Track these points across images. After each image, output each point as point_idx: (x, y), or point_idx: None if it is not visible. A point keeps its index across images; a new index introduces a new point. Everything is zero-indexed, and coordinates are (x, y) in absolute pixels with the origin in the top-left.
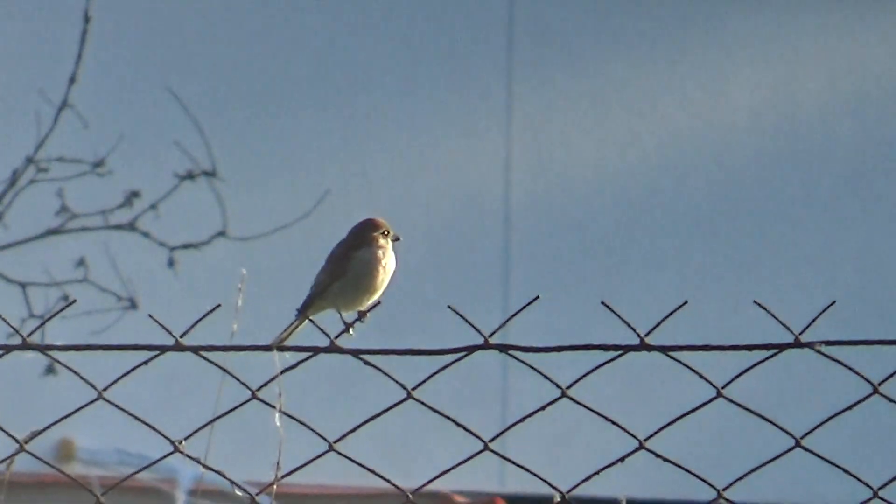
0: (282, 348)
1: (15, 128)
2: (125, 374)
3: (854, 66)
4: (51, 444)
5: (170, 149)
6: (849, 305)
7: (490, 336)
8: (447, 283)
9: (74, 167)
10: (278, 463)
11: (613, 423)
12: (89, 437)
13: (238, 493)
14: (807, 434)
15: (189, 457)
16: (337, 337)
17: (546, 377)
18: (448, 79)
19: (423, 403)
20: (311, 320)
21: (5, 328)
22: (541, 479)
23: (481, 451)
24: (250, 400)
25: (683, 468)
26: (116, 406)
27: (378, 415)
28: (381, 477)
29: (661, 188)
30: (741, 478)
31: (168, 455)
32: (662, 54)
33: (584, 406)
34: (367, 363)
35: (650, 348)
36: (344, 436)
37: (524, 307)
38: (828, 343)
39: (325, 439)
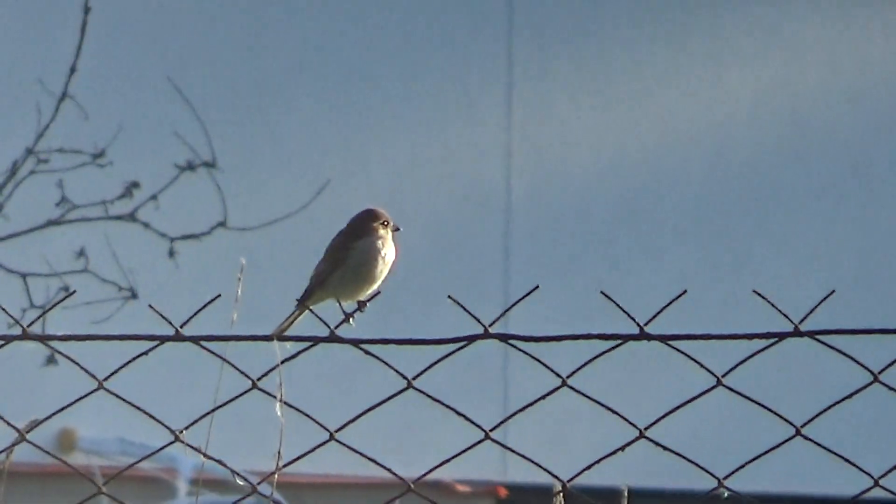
0: (282, 338)
1: (15, 118)
2: (125, 364)
3: (854, 57)
4: (52, 434)
5: (170, 139)
6: (848, 294)
7: (490, 325)
8: (447, 272)
9: (74, 158)
10: (279, 452)
11: (613, 412)
12: (90, 427)
13: (239, 482)
14: (807, 423)
15: (189, 446)
16: (337, 327)
17: (546, 366)
18: (448, 70)
19: (423, 393)
20: (310, 310)
21: (6, 318)
22: (541, 468)
23: (482, 441)
24: (251, 390)
25: (684, 457)
26: (117, 396)
27: (378, 404)
28: (382, 466)
29: (660, 178)
30: (741, 467)
31: (168, 445)
32: (663, 45)
33: (585, 395)
34: (367, 353)
35: (650, 337)
36: (345, 425)
37: (524, 297)
38: (827, 332)
39: (325, 429)
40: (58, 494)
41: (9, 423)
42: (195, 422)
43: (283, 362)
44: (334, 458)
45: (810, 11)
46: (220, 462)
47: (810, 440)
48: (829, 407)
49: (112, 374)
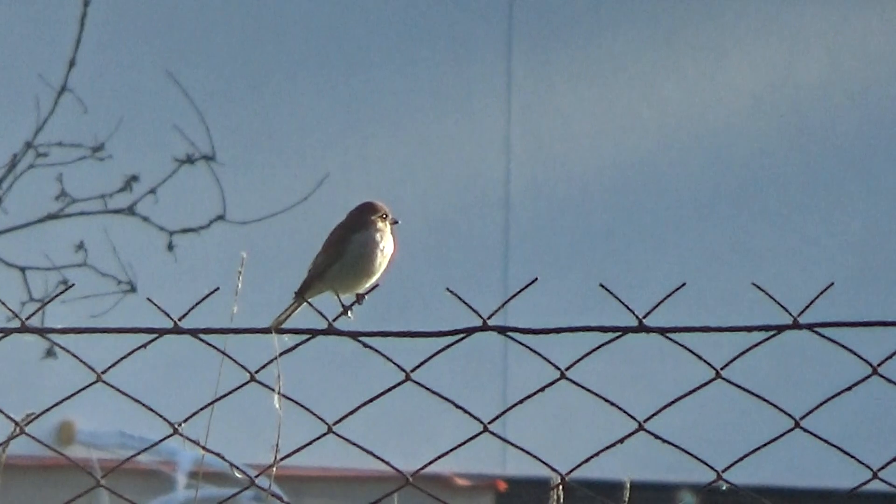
0: (280, 331)
1: (14, 112)
2: (124, 357)
3: (854, 49)
4: (51, 426)
5: (169, 133)
6: (847, 287)
7: (489, 318)
8: (446, 265)
9: (73, 152)
10: (277, 445)
11: (612, 404)
12: (89, 420)
13: (237, 475)
14: (806, 415)
15: (188, 439)
16: (335, 319)
17: (545, 359)
18: (447, 62)
19: (421, 386)
20: (308, 303)
21: (5, 312)
22: (540, 461)
23: (480, 433)
24: (249, 382)
25: (683, 450)
26: (116, 389)
27: (377, 397)
28: (380, 459)
29: (660, 171)
30: (740, 459)
31: (167, 437)
32: (662, 37)
33: (584, 388)
34: (365, 345)
35: (649, 330)
36: (343, 418)
37: (523, 289)
38: (826, 324)
39: (324, 421)
40: (56, 487)
41: (7, 416)
42: (193, 414)
43: (281, 355)
44: (333, 450)
45: (811, 4)
46: (218, 455)
47: (809, 433)
48: (828, 399)
49: (111, 366)
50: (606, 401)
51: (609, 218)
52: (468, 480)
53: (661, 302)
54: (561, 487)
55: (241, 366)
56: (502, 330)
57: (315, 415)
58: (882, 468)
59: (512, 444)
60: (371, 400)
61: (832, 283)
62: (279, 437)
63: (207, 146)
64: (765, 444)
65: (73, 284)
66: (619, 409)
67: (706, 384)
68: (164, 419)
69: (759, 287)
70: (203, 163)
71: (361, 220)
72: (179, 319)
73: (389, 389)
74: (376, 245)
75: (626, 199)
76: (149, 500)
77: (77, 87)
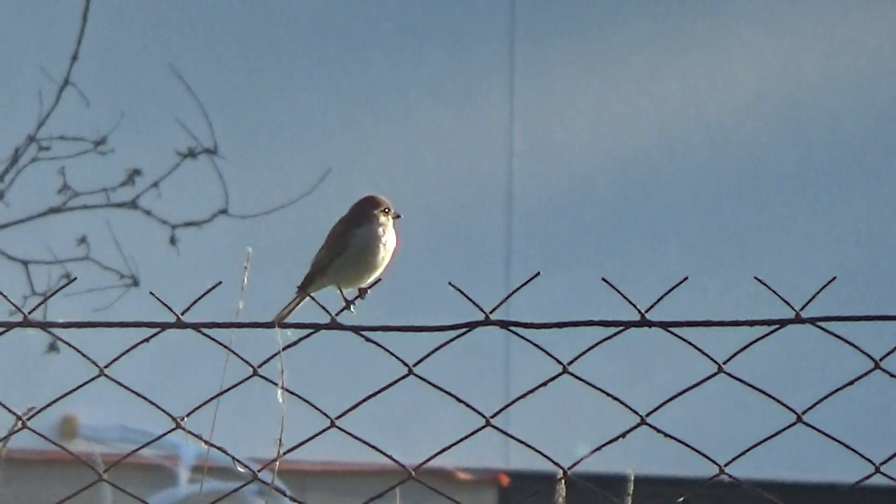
0: (283, 325)
1: (16, 106)
2: (126, 351)
3: (854, 44)
4: (53, 421)
5: (171, 126)
6: (849, 281)
7: (491, 312)
8: (449, 259)
9: (76, 145)
10: (280, 440)
11: (615, 398)
12: (92, 414)
13: (240, 469)
14: (808, 409)
15: (190, 433)
16: (338, 314)
17: (547, 353)
18: (450, 57)
19: (424, 380)
20: (311, 297)
21: (7, 306)
22: (543, 455)
23: (483, 427)
24: (252, 377)
25: (685, 444)
26: (118, 383)
27: (379, 391)
28: (383, 453)
29: (661, 165)
30: (743, 453)
31: (169, 432)
32: (664, 32)
33: (586, 382)
34: (368, 340)
35: (651, 324)
36: (345, 412)
37: (525, 283)
38: (828, 318)
39: (326, 416)
40: (59, 481)
41: (9, 410)
42: (196, 409)
43: (284, 349)
44: (335, 445)
45: None
46: (221, 449)
47: (811, 427)
48: (831, 394)
49: (113, 360)
50: (609, 395)
51: (611, 212)
52: (471, 474)
53: (664, 296)
54: (564, 481)
55: (243, 360)
56: (504, 324)
57: (318, 409)
58: (884, 462)
59: (514, 439)
60: (374, 394)
61: (834, 278)
62: (282, 431)
63: (210, 140)
64: (767, 438)
65: (76, 278)
66: (622, 403)
67: (708, 378)
68: (167, 413)
69: (761, 281)
70: (206, 156)
71: (363, 215)
72: (182, 313)
73: (392, 384)
74: (378, 239)
75: (627, 193)
76: (151, 494)
77: (79, 81)
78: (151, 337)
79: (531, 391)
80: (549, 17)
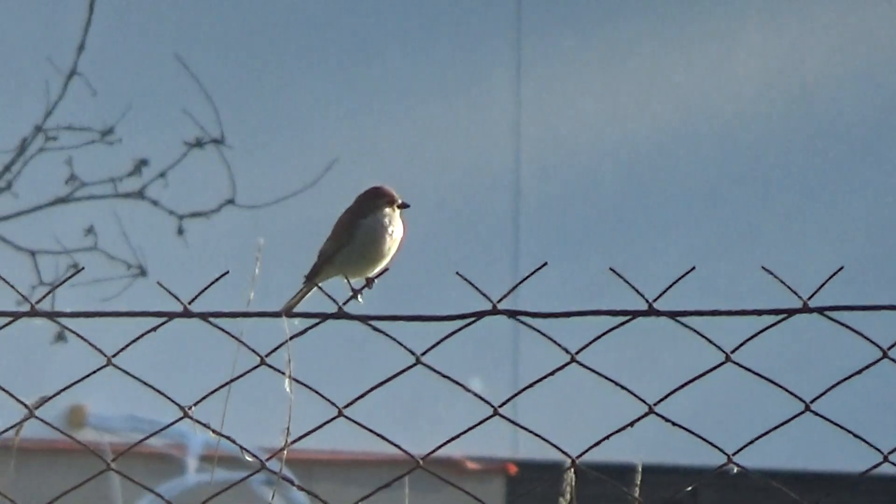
0: (291, 315)
1: (23, 96)
2: (134, 341)
3: (863, 32)
4: (62, 410)
5: (178, 117)
6: (857, 271)
7: (499, 301)
8: (457, 249)
9: (83, 135)
10: (288, 429)
11: (623, 388)
12: (100, 403)
13: (248, 458)
14: (816, 398)
15: (198, 422)
16: (345, 303)
17: (555, 343)
18: (457, 46)
19: (432, 369)
20: (319, 287)
21: (15, 295)
22: (551, 444)
23: (491, 417)
24: (259, 366)
25: (693, 433)
26: (125, 372)
27: (387, 380)
28: (390, 443)
29: (669, 155)
30: (751, 442)
31: (177, 421)
32: (672, 21)
33: (594, 371)
34: (375, 329)
35: (659, 314)
36: (353, 401)
37: (533, 273)
38: (836, 308)
39: (334, 405)
40: (67, 470)
41: (18, 400)
42: (204, 398)
43: (291, 339)
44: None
45: None
46: (228, 438)
47: (819, 416)
48: (839, 383)
49: (121, 350)
50: (617, 384)
51: (619, 202)
52: (479, 464)
53: (671, 286)
54: (572, 470)
55: (251, 349)
56: (512, 314)
57: (326, 398)
58: (892, 451)
59: (523, 428)
60: (381, 383)
61: (842, 267)
62: (290, 420)
63: (217, 130)
64: (775, 428)
65: (83, 268)
66: (630, 392)
67: (716, 368)
68: (175, 403)
69: (768, 271)
70: (213, 146)
71: (370, 205)
72: (189, 303)
73: (400, 373)
74: (385, 229)
75: (635, 183)
76: (159, 483)
77: (86, 71)
78: (159, 326)
79: (539, 380)
80: (555, 8)
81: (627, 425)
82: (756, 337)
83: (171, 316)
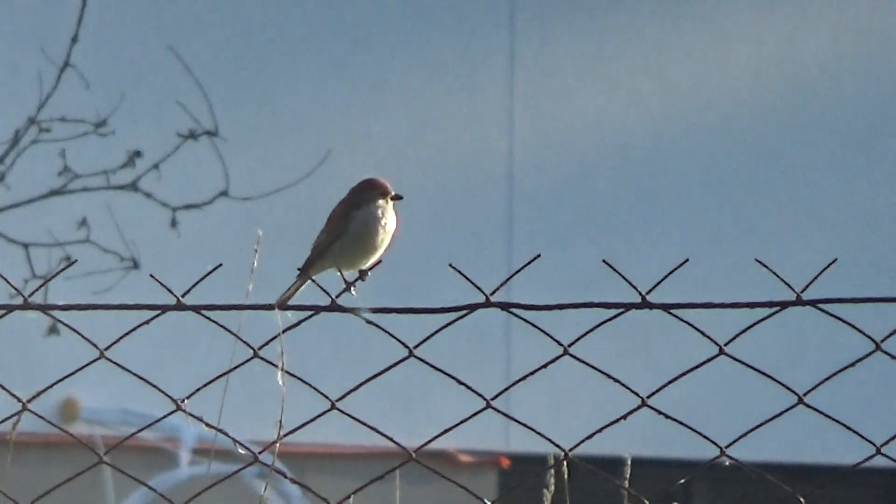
0: (284, 307)
1: (16, 88)
2: (127, 334)
3: (857, 24)
4: (55, 403)
5: (171, 108)
6: (850, 263)
7: (492, 294)
8: (450, 242)
9: (76, 127)
10: (280, 422)
11: (616, 380)
12: (93, 396)
13: (241, 451)
14: (809, 391)
15: (191, 415)
16: (338, 296)
17: (548, 335)
18: (451, 38)
19: (425, 362)
20: (312, 280)
21: (7, 288)
22: (544, 437)
23: (484, 409)
24: (252, 359)
25: (686, 425)
26: (118, 365)
27: (380, 373)
28: (383, 435)
29: (664, 146)
30: (744, 435)
31: (170, 414)
32: (666, 13)
33: (587, 364)
34: (368, 322)
35: (652, 306)
36: (346, 394)
37: (526, 265)
38: (829, 300)
39: (327, 398)
40: (60, 464)
41: (11, 393)
42: (197, 391)
43: (284, 331)
44: (336, 427)
45: None
46: (221, 431)
47: (813, 409)
48: (832, 375)
49: (114, 343)
50: (610, 377)
51: (612, 194)
52: (471, 457)
53: (665, 278)
54: (565, 463)
55: (244, 342)
56: (505, 306)
57: (318, 391)
58: (885, 444)
59: (515, 421)
60: (374, 376)
61: (835, 260)
62: (282, 413)
63: (210, 122)
64: (768, 420)
65: (76, 261)
66: (623, 385)
67: (709, 360)
68: (168, 396)
69: (762, 263)
70: (206, 138)
71: (363, 197)
72: (182, 296)
73: (393, 365)
74: (378, 221)
75: (629, 175)
76: (152, 476)
77: (80, 63)
78: (152, 319)
79: (532, 373)
80: (549, 0)
81: (620, 418)
82: (749, 329)
83: (164, 309)
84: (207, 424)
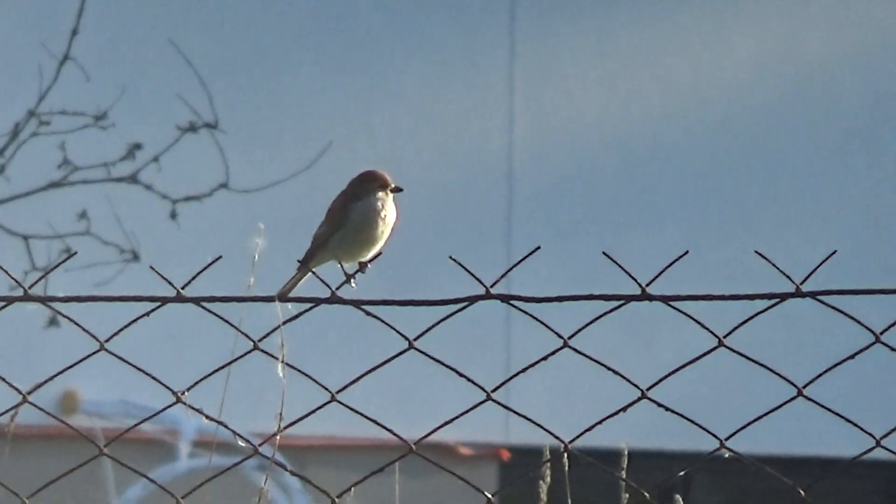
0: (284, 299)
1: (17, 80)
2: (127, 326)
3: (858, 18)
4: (55, 395)
5: (172, 101)
6: (850, 255)
7: (492, 286)
8: (450, 233)
9: (76, 120)
10: (281, 414)
11: (615, 372)
12: (93, 389)
13: (241, 444)
14: (809, 383)
15: (191, 407)
16: (338, 288)
17: (548, 327)
18: (451, 31)
19: (424, 354)
20: (312, 272)
21: (7, 280)
22: (544, 429)
23: (484, 402)
24: (252, 351)
25: (685, 418)
26: (118, 357)
27: (380, 365)
28: (383, 428)
29: (663, 140)
30: (743, 427)
31: (170, 406)
32: (666, 7)
33: (586, 356)
34: (368, 314)
35: (652, 298)
36: (346, 386)
37: (525, 257)
38: (829, 292)
39: (327, 390)
40: (60, 456)
41: (11, 385)
42: (197, 383)
43: (284, 323)
44: (336, 419)
45: None
46: (221, 423)
47: (812, 401)
48: (831, 367)
49: (114, 335)
50: (609, 369)
51: (612, 187)
52: (471, 449)
53: (664, 270)
54: (565, 455)
55: (244, 334)
56: (505, 298)
57: (318, 383)
58: (885, 436)
59: (515, 413)
60: (374, 368)
61: (835, 252)
62: (283, 405)
63: (210, 114)
64: (767, 413)
65: (76, 253)
66: (622, 377)
67: (709, 352)
68: (168, 388)
69: (761, 255)
70: (206, 131)
71: (363, 189)
72: (182, 288)
73: (393, 358)
74: (377, 213)
75: (629, 168)
76: (152, 468)
77: (80, 56)
78: (152, 311)
79: (532, 365)
80: None
81: (620, 410)
82: (749, 321)
83: (164, 301)
84: (207, 417)
